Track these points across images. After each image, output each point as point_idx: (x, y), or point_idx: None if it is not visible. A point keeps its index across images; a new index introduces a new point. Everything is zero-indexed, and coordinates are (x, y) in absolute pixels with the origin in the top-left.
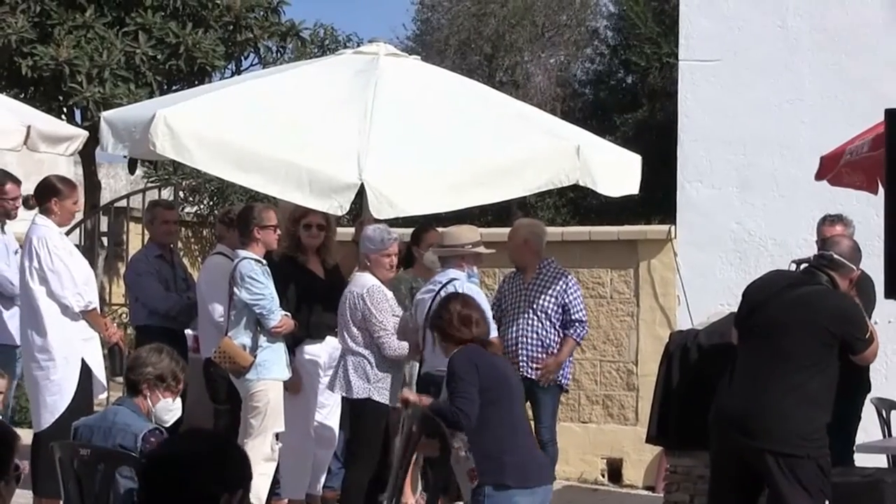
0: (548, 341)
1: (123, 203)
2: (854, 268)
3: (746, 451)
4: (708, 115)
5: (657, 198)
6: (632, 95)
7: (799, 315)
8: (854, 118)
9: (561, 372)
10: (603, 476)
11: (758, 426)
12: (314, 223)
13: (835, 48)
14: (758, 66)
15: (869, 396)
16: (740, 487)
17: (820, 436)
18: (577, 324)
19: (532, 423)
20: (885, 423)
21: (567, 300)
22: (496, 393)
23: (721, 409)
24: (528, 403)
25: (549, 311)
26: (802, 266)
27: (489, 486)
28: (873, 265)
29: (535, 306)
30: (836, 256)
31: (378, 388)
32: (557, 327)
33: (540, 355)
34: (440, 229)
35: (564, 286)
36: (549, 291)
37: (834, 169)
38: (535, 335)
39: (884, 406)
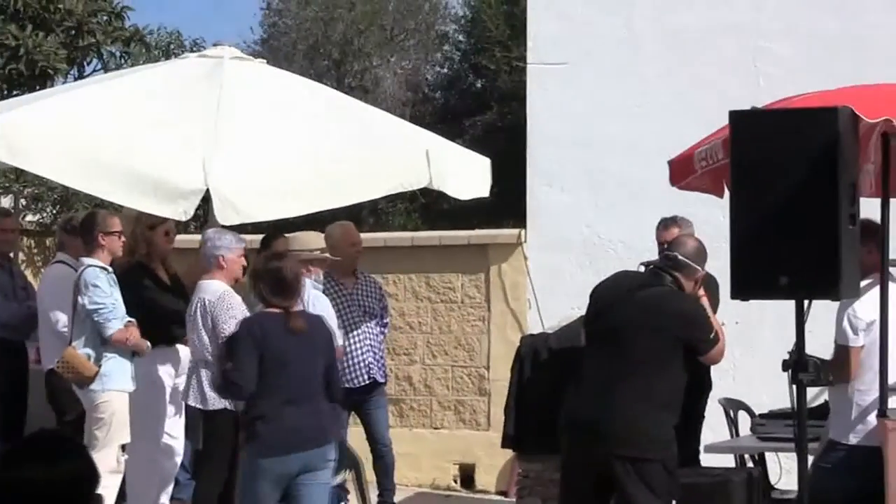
0: (380, 343)
1: None
2: (698, 268)
3: (596, 456)
4: (556, 118)
5: (509, 201)
6: (482, 99)
7: (645, 318)
8: (701, 120)
9: (380, 371)
10: (455, 482)
11: (607, 431)
12: (171, 230)
13: (681, 51)
14: (605, 68)
15: (716, 396)
16: (591, 492)
17: (668, 438)
18: (386, 326)
19: (369, 427)
20: (732, 423)
21: (385, 302)
22: (267, 365)
23: (570, 413)
24: (365, 408)
25: (379, 315)
26: (649, 267)
27: (248, 451)
28: (720, 267)
29: (368, 311)
30: (680, 257)
31: None
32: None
33: (379, 358)
34: (287, 235)
35: (379, 288)
36: (373, 295)
37: (689, 174)
38: (376, 339)
39: (731, 406)
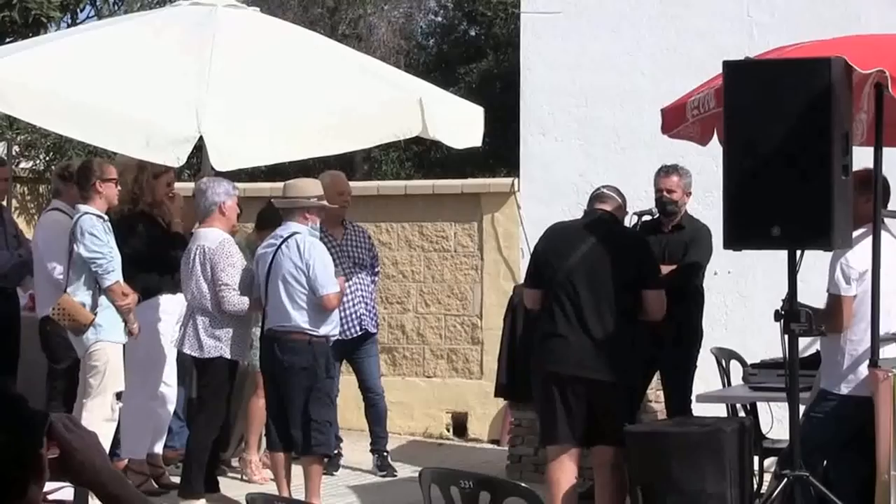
0: (371, 294)
1: None
2: (618, 199)
3: (573, 383)
4: (549, 67)
5: (503, 150)
6: (476, 47)
7: (598, 256)
8: (693, 70)
9: (372, 321)
10: (448, 430)
11: (586, 360)
12: (172, 179)
13: (673, 1)
14: (598, 17)
15: (708, 346)
16: (574, 414)
17: (637, 363)
18: (377, 275)
19: (361, 376)
20: (724, 372)
21: (375, 251)
22: None
23: (547, 353)
24: (356, 356)
25: (370, 265)
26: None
27: None
28: (713, 216)
29: (358, 262)
30: (604, 189)
31: (228, 346)
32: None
33: (371, 309)
34: (285, 183)
35: (367, 237)
36: (363, 245)
37: (680, 122)
38: (367, 290)
39: (723, 356)
